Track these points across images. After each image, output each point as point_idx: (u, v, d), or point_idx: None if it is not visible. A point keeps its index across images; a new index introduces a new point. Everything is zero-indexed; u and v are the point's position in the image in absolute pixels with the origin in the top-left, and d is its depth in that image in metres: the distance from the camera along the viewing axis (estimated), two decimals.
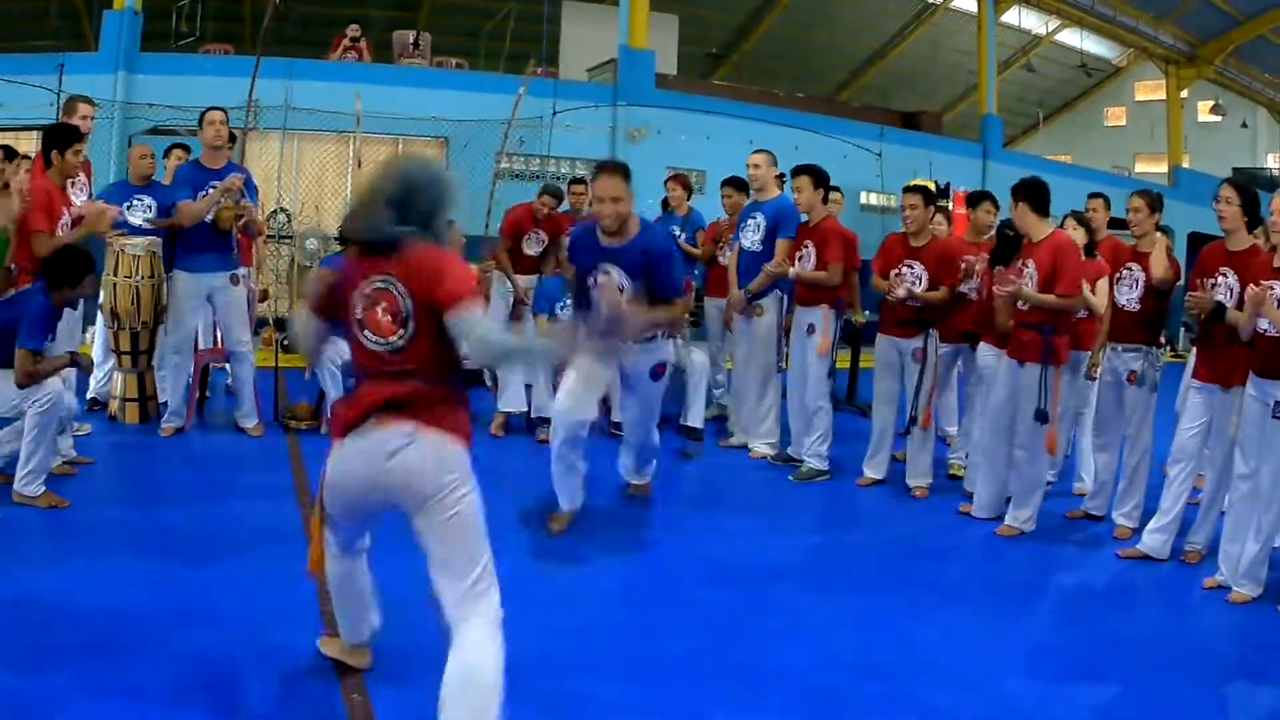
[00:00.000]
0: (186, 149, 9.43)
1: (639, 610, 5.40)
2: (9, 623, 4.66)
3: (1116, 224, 7.96)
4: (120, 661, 4.35)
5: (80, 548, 5.75)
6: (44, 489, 6.32)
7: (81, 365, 6.65)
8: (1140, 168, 31.21)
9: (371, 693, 4.17)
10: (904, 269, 7.70)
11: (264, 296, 10.95)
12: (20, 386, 6.09)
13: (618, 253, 6.32)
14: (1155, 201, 7.03)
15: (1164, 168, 27.92)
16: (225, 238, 8.28)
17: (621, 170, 6.25)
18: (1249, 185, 6.36)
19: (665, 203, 11.01)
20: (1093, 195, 8.41)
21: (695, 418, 9.22)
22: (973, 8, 24.76)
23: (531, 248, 10.19)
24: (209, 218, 8.16)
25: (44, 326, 6.22)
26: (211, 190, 8.15)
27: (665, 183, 11.09)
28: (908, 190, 7.90)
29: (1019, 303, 6.95)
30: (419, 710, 4.06)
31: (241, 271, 8.67)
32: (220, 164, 8.32)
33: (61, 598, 4.98)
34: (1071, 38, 30.90)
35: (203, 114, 8.39)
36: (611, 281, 6.31)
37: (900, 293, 7.66)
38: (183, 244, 8.37)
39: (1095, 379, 7.52)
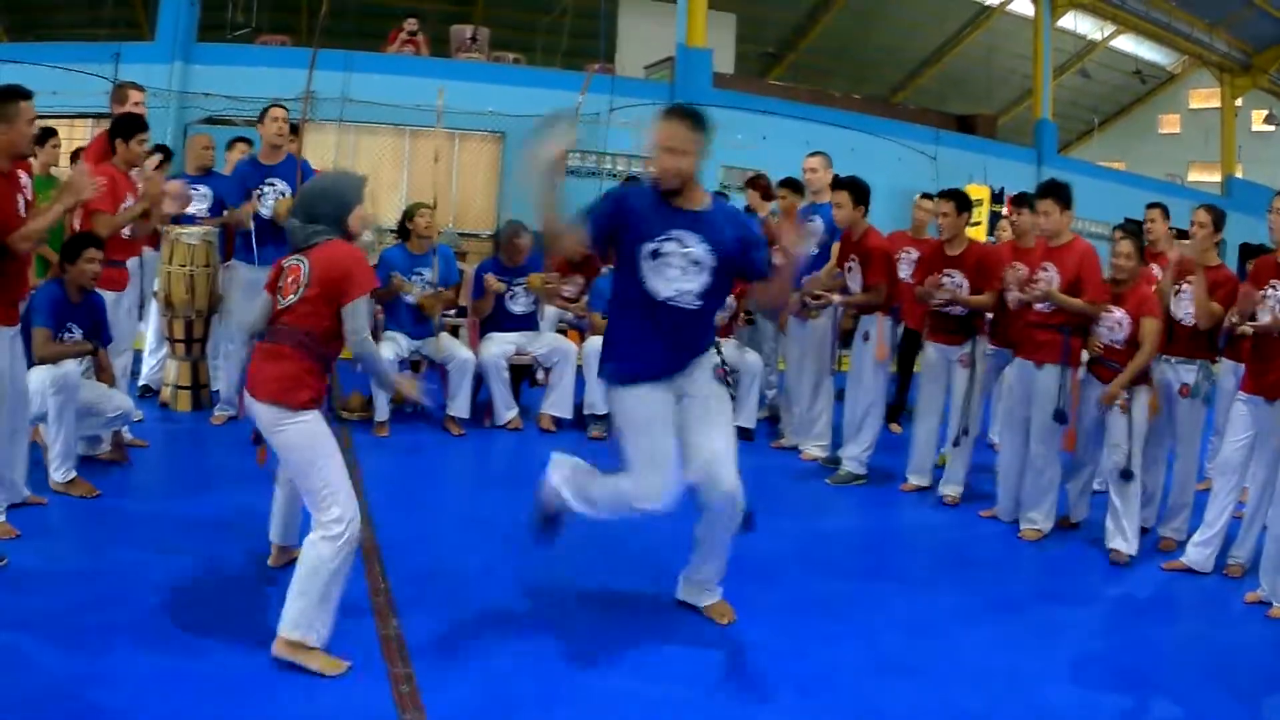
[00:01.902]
0: (249, 142, 9.53)
1: (679, 609, 5.38)
2: (59, 603, 4.77)
3: (1180, 235, 7.97)
4: (168, 644, 4.45)
5: (129, 532, 5.85)
6: (74, 474, 6.37)
7: (92, 352, 6.69)
8: (1193, 176, 30.84)
9: (421, 682, 4.24)
10: (944, 278, 7.66)
11: None
12: (38, 363, 6.14)
13: (695, 219, 4.83)
14: (1220, 219, 6.88)
15: (1218, 177, 27.65)
16: (284, 230, 8.30)
17: (689, 117, 4.75)
18: None
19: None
20: (1151, 205, 8.39)
21: (746, 418, 9.25)
22: (1029, 12, 24.68)
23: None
24: (266, 213, 8.25)
25: (49, 311, 6.35)
26: (266, 187, 8.28)
27: (745, 185, 11.12)
28: (941, 196, 7.91)
29: (1038, 305, 6.97)
30: (470, 710, 4.14)
31: None
32: (278, 160, 8.43)
33: (110, 580, 5.10)
34: (1127, 44, 30.67)
35: (265, 109, 8.53)
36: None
37: (942, 296, 7.68)
38: (242, 235, 8.48)
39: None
